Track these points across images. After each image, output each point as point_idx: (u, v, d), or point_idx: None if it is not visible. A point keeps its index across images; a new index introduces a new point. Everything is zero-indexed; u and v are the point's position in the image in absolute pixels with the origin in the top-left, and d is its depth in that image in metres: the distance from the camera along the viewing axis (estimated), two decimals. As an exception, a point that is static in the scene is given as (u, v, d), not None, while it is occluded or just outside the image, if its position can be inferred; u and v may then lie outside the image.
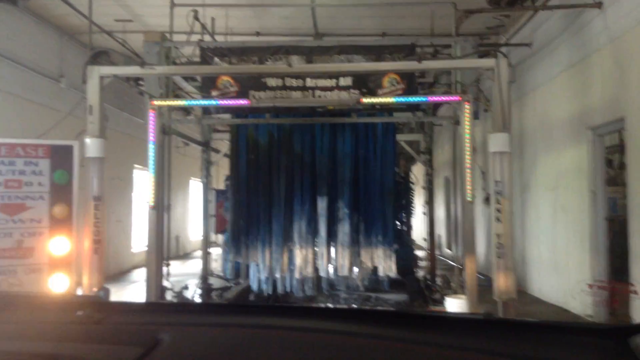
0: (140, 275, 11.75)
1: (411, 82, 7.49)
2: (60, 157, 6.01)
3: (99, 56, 10.64)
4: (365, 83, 7.48)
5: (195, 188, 19.19)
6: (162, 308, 2.20)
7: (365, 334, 1.43)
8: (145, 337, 1.37)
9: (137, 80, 11.97)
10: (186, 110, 14.35)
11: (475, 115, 7.07)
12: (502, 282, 5.69)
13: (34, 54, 10.31)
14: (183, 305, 3.35)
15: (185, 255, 18.74)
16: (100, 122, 6.01)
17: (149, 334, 1.39)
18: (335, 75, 7.46)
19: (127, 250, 14.63)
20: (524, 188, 10.49)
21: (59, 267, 5.86)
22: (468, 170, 6.52)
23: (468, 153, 6.48)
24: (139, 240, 14.40)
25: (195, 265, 12.96)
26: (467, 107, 6.40)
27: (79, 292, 5.94)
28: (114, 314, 1.61)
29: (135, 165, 14.65)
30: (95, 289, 5.64)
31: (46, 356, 1.33)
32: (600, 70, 7.65)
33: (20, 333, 1.47)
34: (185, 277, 11.61)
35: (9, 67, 9.51)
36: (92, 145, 5.90)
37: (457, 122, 7.61)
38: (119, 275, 13.39)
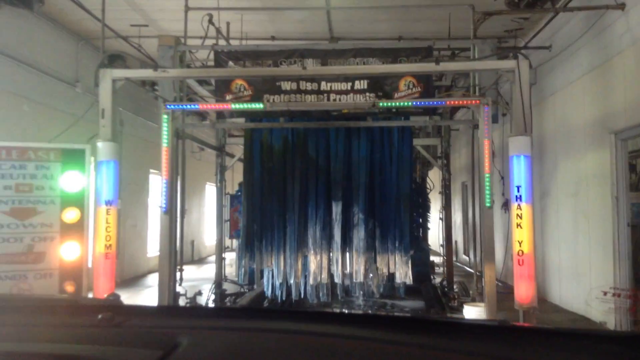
0: (155, 280, 11.74)
1: (428, 85, 7.37)
2: (72, 160, 5.97)
3: (114, 60, 10.68)
4: (381, 86, 7.38)
5: (211, 193, 19.18)
6: (181, 312, 2.28)
7: (380, 339, 1.43)
8: (165, 340, 1.39)
9: (152, 84, 12.01)
10: (201, 115, 14.39)
11: (493, 119, 6.90)
12: (523, 291, 5.52)
13: (50, 59, 10.36)
14: (201, 309, 3.42)
15: (200, 260, 18.73)
16: (113, 125, 5.95)
17: (168, 337, 1.42)
18: (351, 79, 7.38)
19: (143, 255, 14.63)
20: (543, 194, 10.28)
21: (70, 272, 5.81)
22: (487, 175, 6.35)
23: (487, 157, 6.32)
24: (155, 245, 14.39)
25: (210, 270, 12.90)
26: (486, 110, 6.25)
27: (91, 297, 5.88)
28: (133, 317, 1.64)
29: (151, 170, 14.66)
30: (105, 295, 5.57)
31: (67, 358, 1.35)
32: (623, 72, 7.45)
33: (42, 335, 1.50)
34: (199, 282, 11.55)
35: (25, 72, 9.55)
36: (104, 148, 5.85)
37: (475, 125, 7.46)
38: (135, 280, 13.38)
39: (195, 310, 3.21)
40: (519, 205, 5.67)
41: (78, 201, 5.97)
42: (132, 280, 13.24)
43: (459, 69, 7.75)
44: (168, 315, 1.89)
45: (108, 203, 5.81)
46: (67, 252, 5.87)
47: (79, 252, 5.90)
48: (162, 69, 6.54)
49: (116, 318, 1.55)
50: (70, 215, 5.89)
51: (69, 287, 5.77)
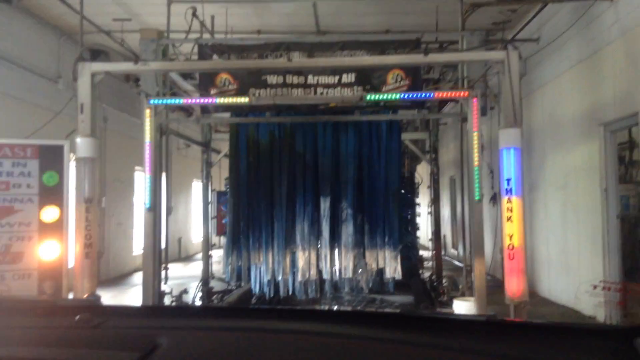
0: (141, 279, 11.58)
1: (416, 79, 7.29)
2: (50, 157, 5.78)
3: (97, 55, 10.47)
4: (369, 79, 7.29)
5: (198, 190, 19.00)
6: (160, 312, 2.23)
7: (368, 336, 1.41)
8: (144, 342, 1.36)
9: (137, 80, 11.82)
10: (187, 111, 14.19)
11: (482, 112, 6.82)
12: (514, 285, 5.44)
13: (31, 54, 10.13)
14: (182, 309, 3.47)
15: (187, 258, 18.56)
16: (92, 120, 5.77)
17: (147, 338, 1.38)
18: (338, 72, 7.27)
19: (128, 253, 14.44)
20: (532, 187, 10.25)
21: (49, 272, 5.64)
22: (476, 168, 6.27)
23: (476, 150, 6.23)
24: (140, 243, 14.20)
25: (197, 268, 12.76)
26: (474, 103, 6.16)
27: (70, 297, 5.72)
28: (112, 318, 1.60)
29: (136, 168, 14.46)
30: (85, 295, 5.41)
31: None
32: (611, 64, 7.40)
33: (18, 338, 1.47)
34: (186, 280, 11.41)
35: (4, 68, 9.32)
36: (83, 144, 5.66)
37: (464, 118, 7.38)
38: (120, 278, 13.20)
39: (176, 310, 3.19)
40: (509, 198, 5.58)
41: (57, 199, 5.79)
42: (117, 279, 13.05)
43: (448, 60, 7.65)
44: (148, 316, 1.85)
45: (88, 201, 5.64)
46: (46, 251, 5.69)
47: (58, 251, 5.72)
48: (143, 61, 6.37)
49: (94, 319, 1.51)
50: (49, 213, 5.71)
51: (48, 288, 5.60)
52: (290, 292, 8.93)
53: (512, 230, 5.54)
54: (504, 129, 5.73)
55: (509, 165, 5.60)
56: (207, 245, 10.21)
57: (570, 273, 8.78)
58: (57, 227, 5.77)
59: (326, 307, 8.69)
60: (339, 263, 8.90)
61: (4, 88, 9.29)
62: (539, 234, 10.17)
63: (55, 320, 1.61)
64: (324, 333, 1.44)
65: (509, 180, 5.57)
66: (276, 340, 1.42)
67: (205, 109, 9.02)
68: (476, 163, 6.26)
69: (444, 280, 10.12)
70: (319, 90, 7.47)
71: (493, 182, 11.12)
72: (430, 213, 10.99)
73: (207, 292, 9.44)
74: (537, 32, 9.60)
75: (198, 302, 9.02)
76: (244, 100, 6.70)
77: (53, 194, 5.79)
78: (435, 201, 10.68)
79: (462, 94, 6.46)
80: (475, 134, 6.22)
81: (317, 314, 2.26)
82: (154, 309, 2.99)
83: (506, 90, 5.64)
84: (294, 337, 1.43)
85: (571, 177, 8.75)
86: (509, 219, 5.55)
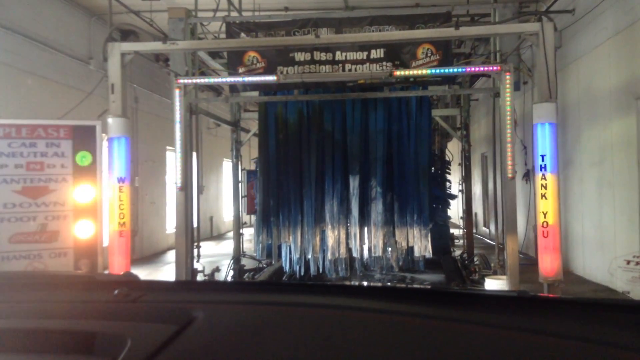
0: (174, 257, 11.77)
1: (447, 53, 7.13)
2: (83, 138, 5.86)
3: (127, 36, 10.52)
4: (398, 55, 7.16)
5: (228, 169, 19.14)
6: (196, 286, 2.29)
7: (399, 311, 1.42)
8: (180, 315, 1.39)
9: (166, 60, 11.87)
10: (216, 90, 14.22)
11: (515, 87, 6.64)
12: (547, 263, 5.34)
13: (62, 36, 10.25)
14: (217, 284, 3.63)
15: (219, 236, 18.79)
16: (123, 101, 5.82)
17: (184, 311, 1.42)
18: (366, 48, 7.15)
19: (162, 231, 14.69)
20: (566, 163, 10.02)
21: (84, 250, 5.75)
22: (509, 145, 6.13)
23: (509, 126, 6.09)
24: (173, 221, 14.40)
25: (228, 246, 12.92)
26: (507, 77, 6.00)
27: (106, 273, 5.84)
28: (149, 292, 1.65)
29: (168, 147, 14.62)
30: (121, 273, 5.51)
31: (84, 334, 1.35)
32: (651, 35, 7.12)
33: (58, 311, 1.51)
34: (218, 258, 11.57)
35: (37, 50, 9.46)
36: (114, 124, 5.73)
37: (497, 94, 7.21)
38: (154, 256, 13.45)
39: (210, 284, 3.33)
40: (543, 175, 5.46)
41: (90, 179, 5.88)
42: (151, 257, 13.31)
43: (480, 34, 7.42)
44: (184, 290, 1.91)
45: (120, 180, 5.72)
46: (81, 230, 5.81)
47: (93, 230, 5.83)
48: (172, 41, 6.37)
49: (132, 293, 1.55)
50: (83, 193, 5.81)
51: (84, 266, 5.73)
52: (321, 271, 8.96)
53: (547, 208, 5.43)
54: (538, 103, 5.58)
55: (544, 140, 5.47)
56: (238, 224, 10.30)
57: (606, 250, 8.61)
58: (92, 206, 5.87)
59: (357, 283, 8.70)
60: (369, 241, 8.88)
61: (36, 70, 9.44)
62: (573, 211, 9.97)
63: (95, 295, 1.66)
64: (356, 307, 1.45)
65: (543, 156, 5.44)
66: (309, 313, 1.43)
67: (234, 88, 9.01)
68: (509, 139, 6.12)
69: (475, 259, 10.02)
70: (347, 66, 7.39)
71: (526, 158, 10.91)
72: (461, 191, 10.87)
73: (238, 270, 9.55)
74: (572, 3, 9.29)
75: (230, 280, 9.13)
76: (272, 78, 6.66)
77: (86, 173, 5.88)
78: (466, 178, 10.54)
79: (494, 68, 6.30)
80: (508, 109, 6.08)
81: (349, 289, 2.27)
82: (190, 284, 3.10)
83: (541, 64, 5.47)
84: (326, 311, 1.44)
85: (607, 152, 8.52)
86: (543, 196, 5.44)
